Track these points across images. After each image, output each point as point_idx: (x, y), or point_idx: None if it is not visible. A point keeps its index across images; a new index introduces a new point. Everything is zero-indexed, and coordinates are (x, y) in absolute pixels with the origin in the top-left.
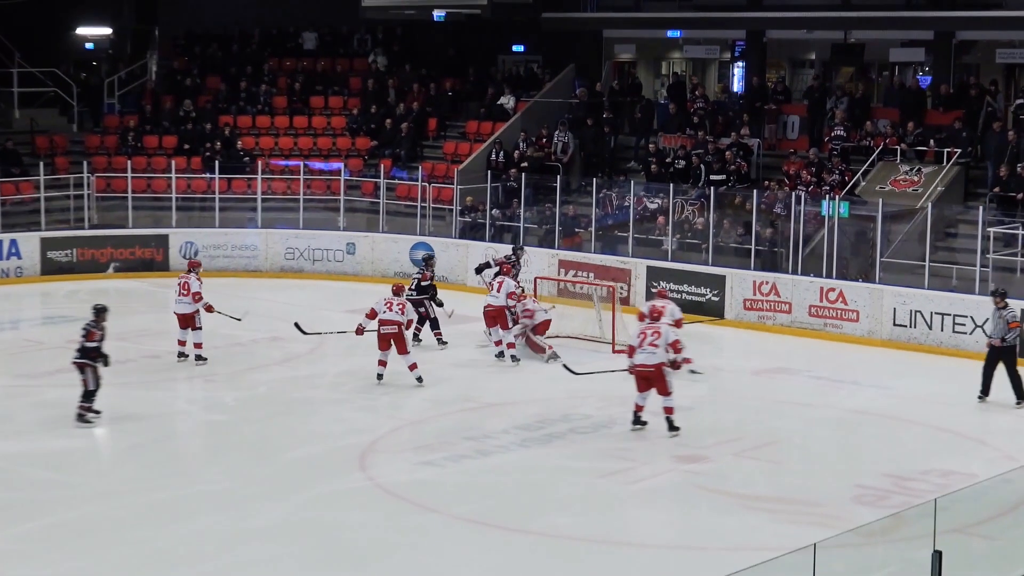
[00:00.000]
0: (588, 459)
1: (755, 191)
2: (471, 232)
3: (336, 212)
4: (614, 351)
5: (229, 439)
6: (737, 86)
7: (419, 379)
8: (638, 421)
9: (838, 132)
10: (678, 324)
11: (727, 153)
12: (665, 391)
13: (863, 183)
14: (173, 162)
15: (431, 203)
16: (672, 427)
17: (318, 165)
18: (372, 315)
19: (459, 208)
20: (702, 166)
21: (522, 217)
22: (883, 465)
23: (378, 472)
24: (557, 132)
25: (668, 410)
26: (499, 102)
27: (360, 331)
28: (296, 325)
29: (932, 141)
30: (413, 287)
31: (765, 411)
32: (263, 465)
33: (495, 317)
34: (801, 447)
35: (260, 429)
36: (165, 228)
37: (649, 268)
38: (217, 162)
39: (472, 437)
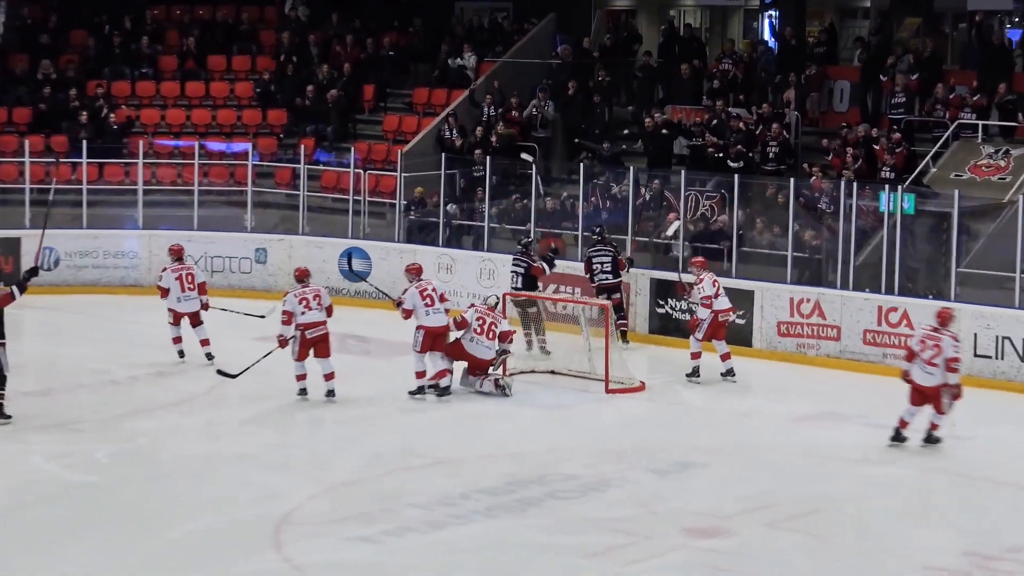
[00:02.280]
0: (573, 533)
1: (792, 180)
2: (420, 234)
3: (242, 208)
4: (608, 390)
5: (100, 508)
6: (767, 42)
7: (331, 393)
8: (898, 437)
9: (899, 100)
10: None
11: (760, 129)
12: (940, 410)
13: (933, 169)
14: (27, 142)
15: (367, 196)
16: (931, 439)
17: (218, 146)
18: (289, 319)
19: (404, 203)
20: (724, 147)
21: (487, 214)
22: (961, 540)
23: (297, 551)
24: (533, 102)
25: (934, 426)
26: (456, 63)
27: (283, 343)
28: (220, 372)
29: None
30: (518, 284)
31: (806, 470)
32: (145, 542)
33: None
34: (854, 517)
35: (141, 494)
36: (15, 229)
37: (655, 281)
38: (84, 142)
39: (421, 504)
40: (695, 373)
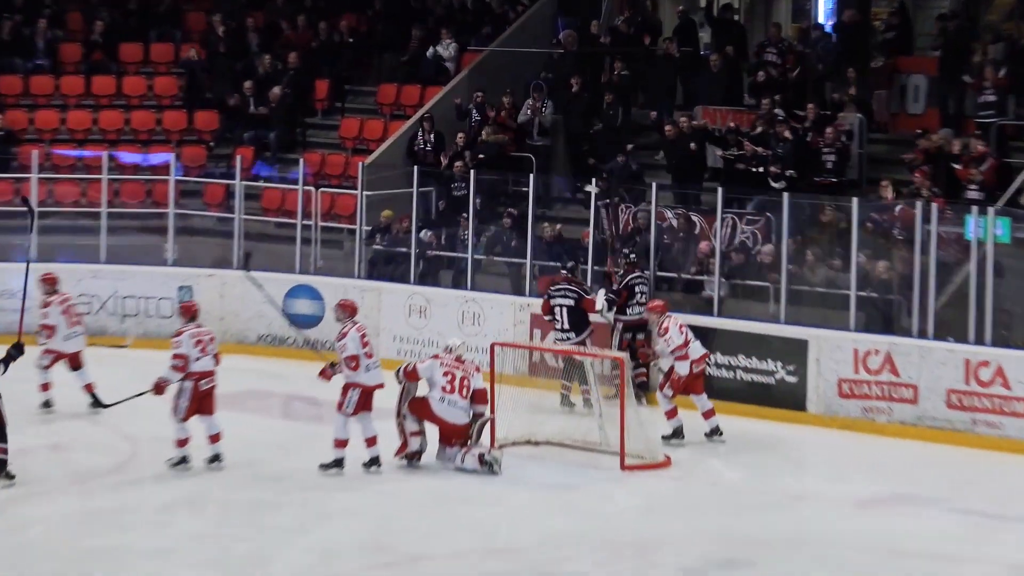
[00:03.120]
0: None
1: (855, 199)
2: (386, 268)
3: (162, 236)
4: (625, 466)
5: None
6: (823, 27)
7: (216, 458)
8: None
9: (988, 99)
10: None
11: (814, 136)
12: None
13: None
14: None
15: (319, 220)
16: None
17: (132, 157)
18: (183, 365)
19: (366, 229)
20: (768, 159)
21: (470, 243)
22: None
23: None
24: (529, 102)
25: None
26: (432, 53)
27: (161, 389)
28: (94, 404)
29: None
30: (563, 321)
31: (877, 567)
32: None
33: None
34: None
35: None
36: None
37: (707, 329)
38: None
39: None
40: (677, 434)
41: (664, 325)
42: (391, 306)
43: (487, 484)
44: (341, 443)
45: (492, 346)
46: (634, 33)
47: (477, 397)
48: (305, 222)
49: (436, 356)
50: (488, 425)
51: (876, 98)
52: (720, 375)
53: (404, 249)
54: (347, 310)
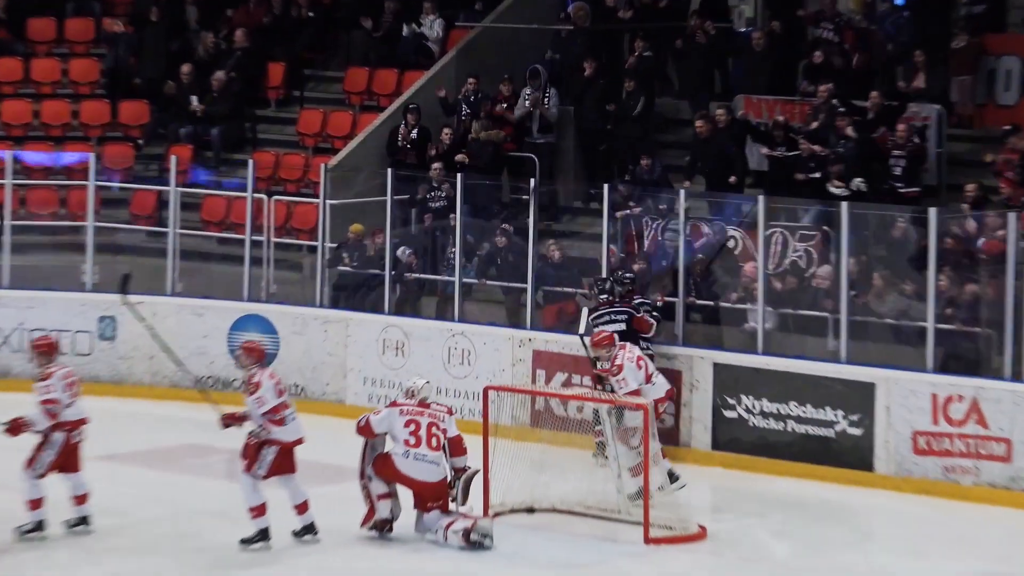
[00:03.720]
0: None
1: (933, 210)
2: (355, 294)
3: (79, 254)
4: (649, 539)
5: None
6: None
7: (84, 521)
8: None
9: None
10: None
11: (882, 132)
12: None
13: None
14: None
15: (272, 235)
16: None
17: (41, 158)
18: (56, 411)
19: (331, 246)
20: (828, 160)
21: (458, 263)
22: None
23: None
24: (528, 90)
25: None
26: (411, 31)
27: (17, 431)
28: None
29: None
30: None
31: None
32: None
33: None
34: None
35: None
36: None
37: (719, 367)
38: None
39: None
40: (674, 478)
41: (617, 363)
42: (361, 341)
43: (477, 562)
44: (258, 510)
45: (485, 390)
46: (661, 6)
47: (453, 447)
48: (255, 238)
49: (394, 403)
50: (476, 482)
51: (958, 86)
52: (766, 426)
53: (377, 271)
54: (253, 355)
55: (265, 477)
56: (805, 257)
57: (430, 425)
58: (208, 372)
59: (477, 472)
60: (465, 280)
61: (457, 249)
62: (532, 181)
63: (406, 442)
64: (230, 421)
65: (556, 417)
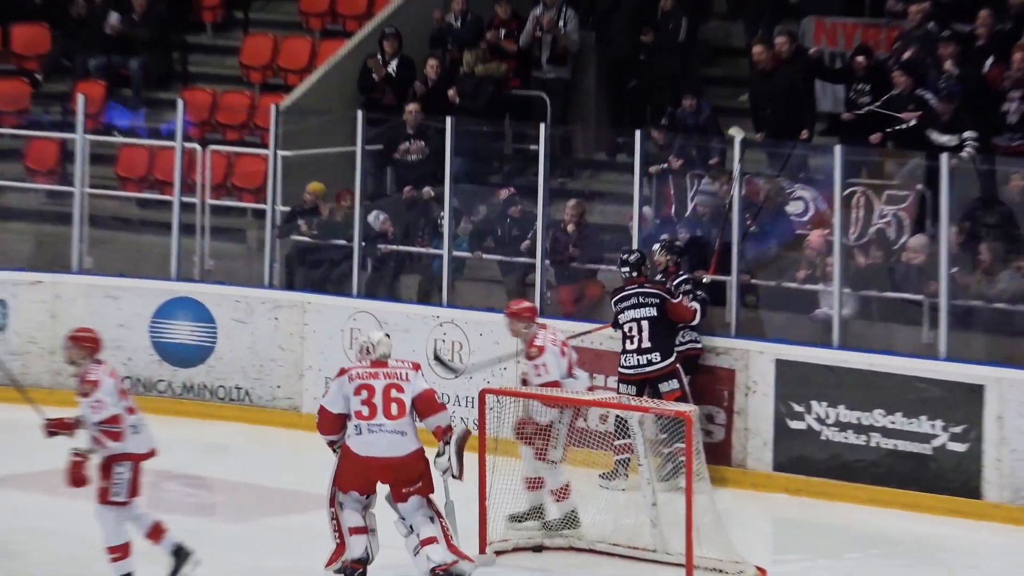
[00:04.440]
0: None
1: None
2: (314, 272)
3: None
4: None
5: None
6: None
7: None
8: None
9: None
10: None
11: (991, 69)
12: None
13: None
14: None
15: (207, 196)
16: None
17: None
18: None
19: (284, 211)
20: (924, 103)
21: (447, 232)
22: None
23: None
24: (537, 10)
25: None
26: None
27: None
28: None
29: None
30: (640, 339)
31: None
32: None
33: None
34: None
35: None
36: None
37: (783, 365)
38: None
39: None
40: (568, 523)
41: (537, 343)
42: (322, 331)
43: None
44: (122, 551)
45: (482, 394)
46: None
47: (423, 407)
48: (186, 199)
49: (342, 370)
50: (463, 444)
51: None
52: (843, 440)
53: (343, 242)
54: (86, 346)
55: (126, 503)
56: (894, 224)
57: (388, 388)
58: (125, 372)
59: (468, 432)
60: (456, 254)
61: (446, 214)
62: (542, 127)
63: (357, 414)
64: (56, 429)
65: (574, 429)
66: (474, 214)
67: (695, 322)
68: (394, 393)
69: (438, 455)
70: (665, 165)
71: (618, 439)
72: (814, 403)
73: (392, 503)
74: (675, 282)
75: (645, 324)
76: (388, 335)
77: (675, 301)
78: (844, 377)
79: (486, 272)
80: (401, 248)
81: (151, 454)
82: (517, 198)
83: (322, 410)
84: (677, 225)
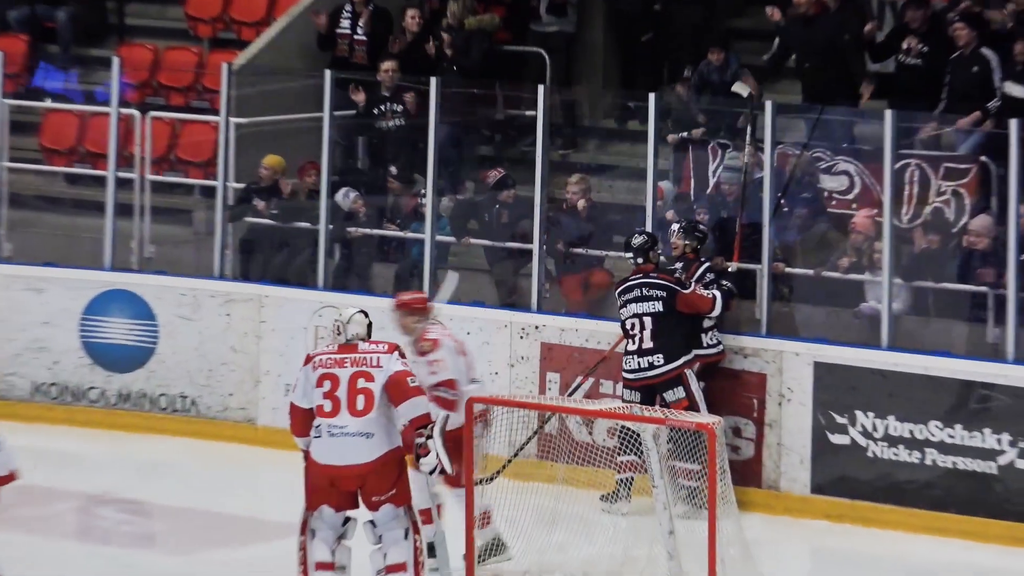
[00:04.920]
0: None
1: None
2: (272, 259)
3: None
4: None
5: None
6: None
7: None
8: None
9: None
10: None
11: None
12: None
13: None
14: None
15: (148, 171)
16: None
17: None
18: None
19: (236, 188)
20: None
21: (429, 213)
22: None
23: None
24: None
25: None
26: None
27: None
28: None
29: None
30: (642, 338)
31: None
32: None
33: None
34: None
35: None
36: None
37: (823, 369)
38: None
39: None
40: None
41: (431, 335)
42: (282, 329)
43: None
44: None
45: (469, 404)
46: None
47: (394, 392)
48: (123, 174)
49: (309, 357)
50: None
51: None
52: (894, 458)
53: (306, 224)
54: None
55: None
56: (954, 203)
57: (354, 378)
58: (51, 378)
59: (447, 418)
60: (440, 238)
61: (428, 191)
62: (540, 90)
63: (319, 410)
64: None
65: (577, 445)
66: (460, 191)
67: (715, 312)
68: (361, 383)
69: (418, 455)
70: (686, 134)
71: (622, 454)
72: (859, 413)
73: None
74: (697, 272)
75: (648, 321)
76: (365, 312)
77: (687, 292)
78: (895, 383)
79: (474, 260)
80: (374, 232)
81: (9, 477)
82: (510, 181)
83: (292, 407)
84: (696, 205)
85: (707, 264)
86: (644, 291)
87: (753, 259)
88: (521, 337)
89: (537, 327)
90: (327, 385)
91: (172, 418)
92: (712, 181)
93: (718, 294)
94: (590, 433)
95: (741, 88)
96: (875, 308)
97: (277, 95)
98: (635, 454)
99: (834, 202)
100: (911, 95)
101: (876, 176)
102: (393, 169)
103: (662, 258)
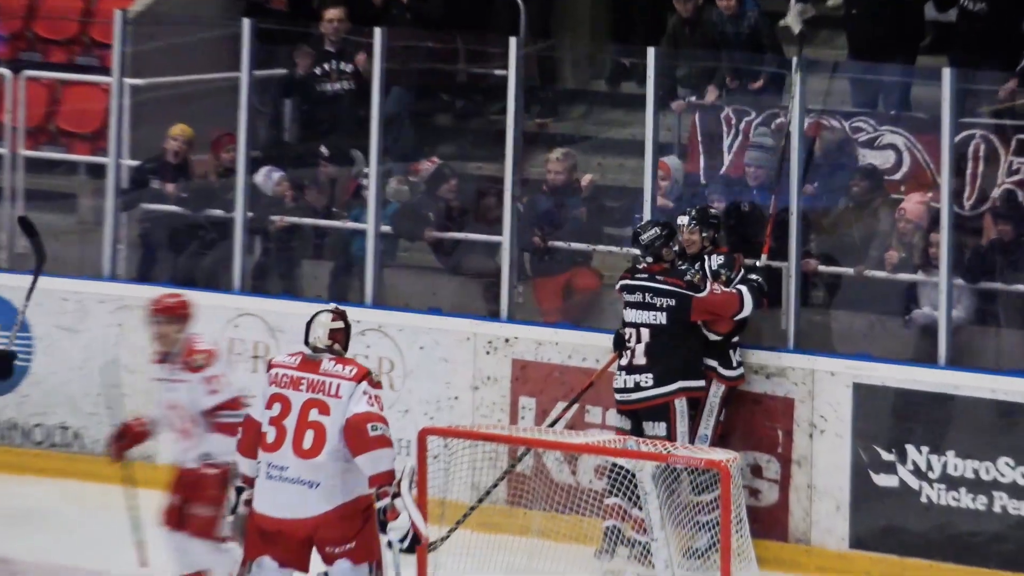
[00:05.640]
0: None
1: None
2: (178, 252)
3: None
4: None
5: None
6: None
7: None
8: None
9: None
10: None
11: None
12: None
13: None
14: None
15: (23, 146)
16: None
17: None
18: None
19: (131, 166)
20: None
21: (373, 199)
22: None
23: None
24: None
25: None
26: None
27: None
28: None
29: None
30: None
31: None
32: None
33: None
34: None
35: None
36: None
37: (864, 392)
38: None
39: None
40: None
41: (200, 346)
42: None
43: None
44: None
45: (422, 435)
46: None
47: (352, 439)
48: None
49: (271, 364)
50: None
51: None
52: (954, 504)
53: (220, 212)
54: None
55: None
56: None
57: (307, 407)
58: None
59: (413, 473)
60: (385, 230)
61: (371, 171)
62: (512, 43)
63: (262, 440)
64: None
65: (556, 487)
66: (415, 171)
67: (745, 312)
68: (314, 415)
69: (383, 521)
70: (693, 99)
71: (609, 496)
72: (910, 448)
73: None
74: (713, 268)
75: (646, 333)
76: (338, 313)
77: (702, 295)
78: (955, 410)
79: (423, 257)
80: (304, 221)
81: None
82: (448, 170)
83: (247, 420)
84: (709, 187)
85: (721, 260)
86: (648, 297)
87: (780, 255)
88: (488, 352)
89: (507, 340)
90: (276, 409)
91: (49, 455)
92: (728, 158)
93: (745, 289)
94: (573, 473)
95: (794, 20)
96: (930, 316)
97: (183, 50)
98: (622, 496)
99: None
100: (977, 50)
101: (931, 151)
102: (324, 150)
103: (682, 264)
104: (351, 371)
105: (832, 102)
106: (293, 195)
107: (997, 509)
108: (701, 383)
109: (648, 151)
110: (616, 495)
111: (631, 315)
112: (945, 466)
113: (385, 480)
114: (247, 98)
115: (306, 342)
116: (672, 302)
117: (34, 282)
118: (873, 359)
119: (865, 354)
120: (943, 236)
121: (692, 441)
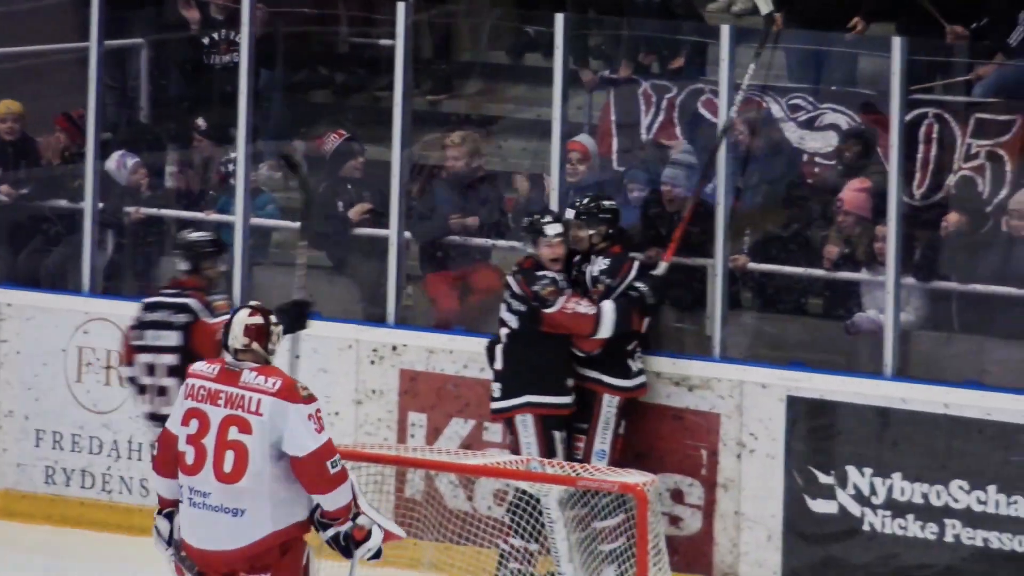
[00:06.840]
0: None
1: None
2: (14, 255)
3: None
4: None
5: None
6: None
7: None
8: None
9: None
10: None
11: None
12: None
13: None
14: None
15: None
16: None
17: None
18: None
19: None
20: None
21: (241, 185)
22: None
23: None
24: None
25: None
26: None
27: None
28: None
29: None
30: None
31: None
32: None
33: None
34: None
35: None
36: None
37: (798, 405)
38: None
39: None
40: None
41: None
42: (31, 353)
43: None
44: None
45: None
46: None
47: (302, 474)
48: None
49: (190, 373)
50: None
51: None
52: (900, 533)
53: (65, 203)
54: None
55: None
56: (989, 170)
57: (225, 424)
58: None
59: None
60: (256, 222)
61: (240, 154)
62: (400, 7)
63: (181, 460)
64: None
65: (450, 515)
66: (292, 155)
67: (602, 334)
68: (233, 434)
69: (353, 542)
70: (608, 72)
71: (513, 536)
72: (852, 470)
73: None
74: (631, 273)
75: (503, 334)
76: (261, 310)
77: (550, 311)
78: (903, 426)
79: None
80: (161, 212)
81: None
82: (357, 145)
83: (164, 434)
84: (627, 174)
85: (604, 265)
86: (507, 297)
87: (701, 251)
88: (372, 362)
89: (395, 348)
90: (194, 426)
91: None
92: (646, 137)
93: (609, 307)
94: (469, 498)
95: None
96: (875, 320)
97: (23, 17)
98: (526, 536)
99: (816, 169)
100: (932, 17)
101: (881, 131)
102: (201, 122)
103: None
104: (274, 384)
105: (766, 77)
106: (150, 183)
107: (949, 539)
108: (561, 400)
109: (555, 130)
110: (521, 535)
111: (502, 312)
112: (891, 490)
113: (346, 512)
114: (96, 71)
115: (225, 346)
116: (525, 308)
117: (305, 224)
118: (809, 369)
119: (800, 363)
120: (890, 229)
121: (588, 459)
